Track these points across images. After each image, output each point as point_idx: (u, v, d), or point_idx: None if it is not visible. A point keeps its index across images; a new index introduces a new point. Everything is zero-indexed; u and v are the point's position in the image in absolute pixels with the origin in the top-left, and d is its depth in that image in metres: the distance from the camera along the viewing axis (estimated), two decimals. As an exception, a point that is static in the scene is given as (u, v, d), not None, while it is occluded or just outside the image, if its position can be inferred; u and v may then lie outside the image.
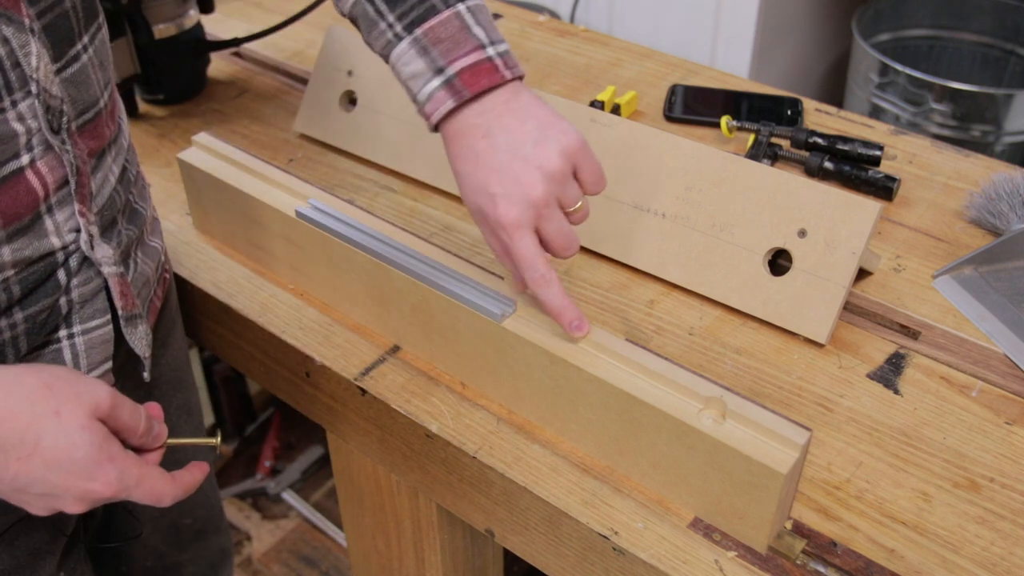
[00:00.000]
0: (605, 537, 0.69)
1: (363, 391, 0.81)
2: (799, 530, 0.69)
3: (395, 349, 0.84)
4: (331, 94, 1.07)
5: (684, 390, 0.66)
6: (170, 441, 0.67)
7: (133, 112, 1.18)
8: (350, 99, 1.08)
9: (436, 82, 0.67)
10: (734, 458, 0.63)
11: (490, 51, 0.67)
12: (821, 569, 0.66)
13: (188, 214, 1.00)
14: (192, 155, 0.93)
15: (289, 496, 1.76)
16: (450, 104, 0.67)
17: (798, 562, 0.67)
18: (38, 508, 0.61)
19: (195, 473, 0.67)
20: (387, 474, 0.88)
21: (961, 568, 0.66)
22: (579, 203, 0.69)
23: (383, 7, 0.69)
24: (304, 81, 1.22)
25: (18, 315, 0.66)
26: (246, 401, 1.87)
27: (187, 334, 0.98)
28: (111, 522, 0.92)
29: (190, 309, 0.96)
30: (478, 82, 0.67)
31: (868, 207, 0.81)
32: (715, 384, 0.66)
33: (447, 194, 1.02)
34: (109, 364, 0.74)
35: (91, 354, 0.72)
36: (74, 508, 0.61)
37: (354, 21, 0.72)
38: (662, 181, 0.90)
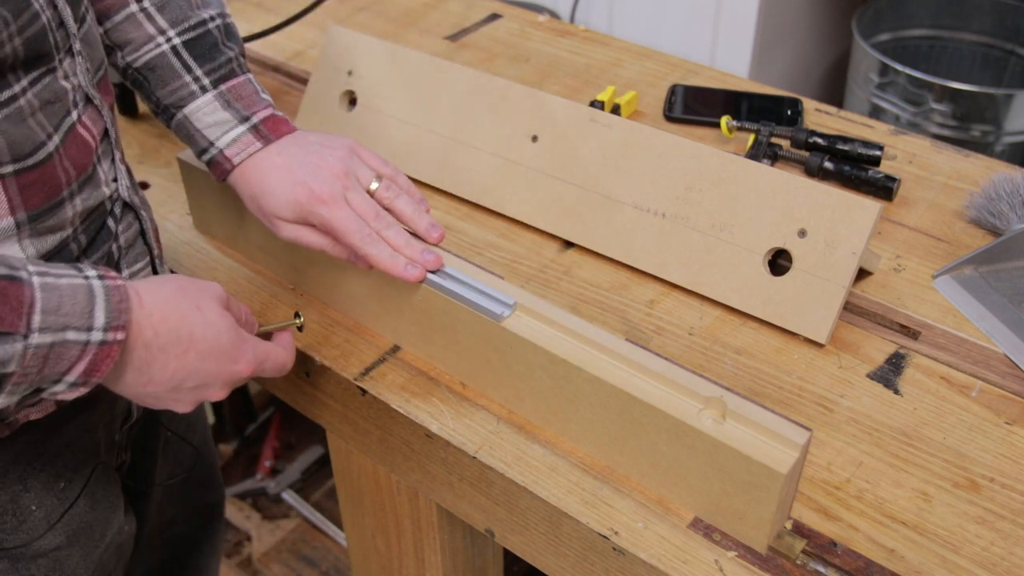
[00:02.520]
0: (605, 537, 0.69)
1: (363, 391, 0.81)
2: (799, 530, 0.69)
3: (395, 349, 0.84)
4: (331, 94, 1.07)
5: (684, 390, 0.66)
6: (262, 328, 0.76)
7: (133, 112, 1.18)
8: (350, 99, 1.08)
9: (242, 128, 0.79)
10: (734, 458, 0.63)
11: (276, 111, 0.82)
12: (821, 569, 0.66)
13: (188, 214, 1.00)
14: (192, 155, 0.93)
15: (289, 496, 1.76)
16: (259, 145, 0.79)
17: (798, 562, 0.67)
18: (187, 403, 0.67)
19: (288, 340, 0.76)
20: (387, 474, 0.88)
21: (961, 568, 0.66)
22: (374, 183, 0.78)
23: (192, 63, 0.80)
24: (304, 81, 1.22)
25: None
26: (246, 401, 1.87)
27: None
28: (135, 466, 0.95)
29: (190, 309, 0.96)
30: (279, 129, 0.80)
31: (868, 207, 0.81)
32: (715, 384, 0.66)
33: (447, 194, 1.02)
34: None
35: None
36: (220, 394, 0.68)
37: (144, 72, 0.80)
38: (662, 181, 0.90)
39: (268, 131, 0.80)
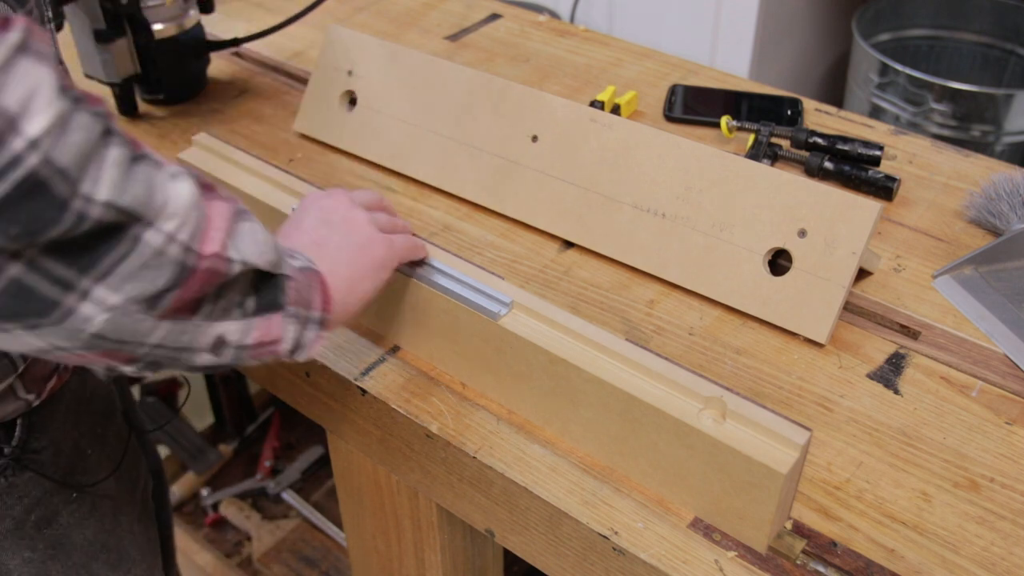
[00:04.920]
0: (605, 537, 0.69)
1: (363, 391, 0.81)
2: (799, 530, 0.69)
3: (395, 349, 0.84)
4: (331, 94, 1.07)
5: (684, 390, 0.66)
6: None
7: (133, 112, 1.18)
8: (350, 99, 1.08)
9: None
10: (734, 458, 0.63)
11: None
12: (821, 569, 0.66)
13: (188, 214, 1.00)
14: (192, 155, 0.93)
15: (289, 496, 1.76)
16: None
17: (798, 562, 0.67)
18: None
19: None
20: (387, 474, 0.88)
21: (961, 568, 0.66)
22: None
23: None
24: (304, 81, 1.22)
25: None
26: (246, 401, 1.87)
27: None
28: None
29: (190, 309, 0.96)
30: None
31: (868, 207, 0.81)
32: (715, 384, 0.66)
33: (447, 194, 1.02)
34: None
35: None
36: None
37: None
38: (662, 181, 0.90)
39: None
